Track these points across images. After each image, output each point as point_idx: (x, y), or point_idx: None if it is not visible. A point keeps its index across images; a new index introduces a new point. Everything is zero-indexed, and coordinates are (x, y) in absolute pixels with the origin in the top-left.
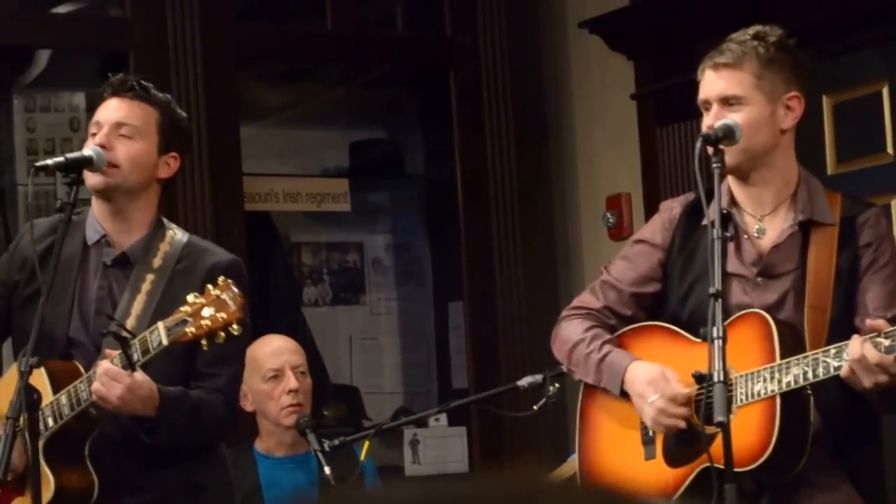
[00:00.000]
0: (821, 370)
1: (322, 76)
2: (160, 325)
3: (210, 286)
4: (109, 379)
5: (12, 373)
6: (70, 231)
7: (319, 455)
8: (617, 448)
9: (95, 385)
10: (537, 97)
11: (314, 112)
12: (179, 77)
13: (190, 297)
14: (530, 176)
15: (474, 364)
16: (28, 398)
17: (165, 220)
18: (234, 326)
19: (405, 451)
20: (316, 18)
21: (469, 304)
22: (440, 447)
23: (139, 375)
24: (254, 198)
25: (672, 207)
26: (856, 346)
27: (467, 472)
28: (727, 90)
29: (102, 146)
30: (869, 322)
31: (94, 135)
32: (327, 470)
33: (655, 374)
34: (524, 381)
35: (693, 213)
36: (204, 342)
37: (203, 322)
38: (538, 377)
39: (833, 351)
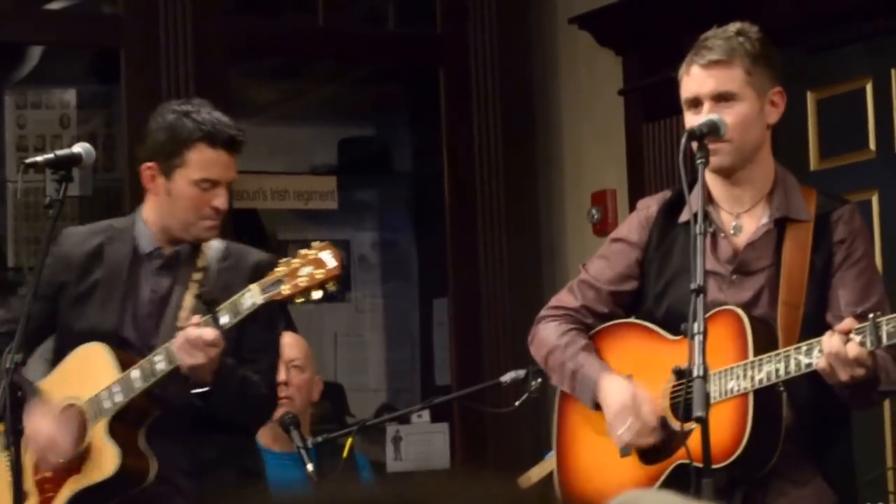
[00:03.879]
0: (793, 367)
1: (312, 73)
2: (254, 286)
3: (304, 250)
4: (207, 345)
5: (73, 357)
6: (116, 236)
7: (303, 452)
8: (593, 446)
9: (195, 345)
10: (525, 93)
11: (303, 109)
12: (170, 73)
13: (283, 260)
14: (517, 173)
15: (458, 361)
16: (13, 396)
17: None
18: (331, 283)
19: (387, 447)
20: (307, 15)
21: (454, 301)
22: (422, 443)
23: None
24: (242, 195)
25: (649, 206)
26: (833, 341)
27: (448, 468)
28: (721, 86)
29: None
30: (838, 327)
31: (208, 189)
32: (310, 467)
33: (626, 399)
34: (507, 377)
35: (670, 212)
36: (300, 300)
37: (299, 280)
38: (521, 372)
39: (804, 348)
